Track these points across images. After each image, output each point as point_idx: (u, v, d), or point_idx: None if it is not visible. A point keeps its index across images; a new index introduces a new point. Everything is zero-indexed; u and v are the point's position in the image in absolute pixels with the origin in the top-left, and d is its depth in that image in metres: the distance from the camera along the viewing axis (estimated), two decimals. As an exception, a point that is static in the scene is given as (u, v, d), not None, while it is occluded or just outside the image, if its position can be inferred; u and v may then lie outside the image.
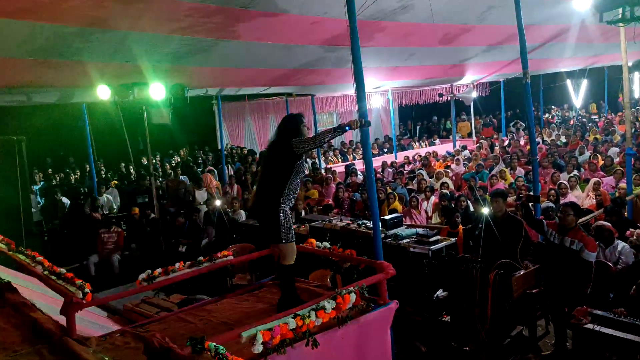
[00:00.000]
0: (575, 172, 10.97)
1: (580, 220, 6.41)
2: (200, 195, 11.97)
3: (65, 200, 12.33)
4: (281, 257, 4.52)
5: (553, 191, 9.20)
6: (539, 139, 16.20)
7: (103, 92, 9.26)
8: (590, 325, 5.24)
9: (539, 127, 19.33)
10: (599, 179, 9.75)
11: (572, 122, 20.64)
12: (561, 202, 8.63)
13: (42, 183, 13.67)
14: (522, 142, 16.82)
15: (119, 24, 7.29)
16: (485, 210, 6.51)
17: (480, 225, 6.37)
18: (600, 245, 6.43)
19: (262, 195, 4.40)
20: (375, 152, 18.29)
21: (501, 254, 5.84)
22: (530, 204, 6.39)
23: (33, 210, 10.39)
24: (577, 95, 20.78)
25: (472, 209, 9.10)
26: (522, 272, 5.71)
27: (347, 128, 4.22)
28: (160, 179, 13.88)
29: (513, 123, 20.72)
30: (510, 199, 8.93)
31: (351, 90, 15.38)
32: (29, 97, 9.86)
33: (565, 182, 9.74)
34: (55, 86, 9.46)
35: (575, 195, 9.49)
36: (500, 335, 5.81)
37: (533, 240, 6.44)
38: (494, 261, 5.75)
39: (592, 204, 9.13)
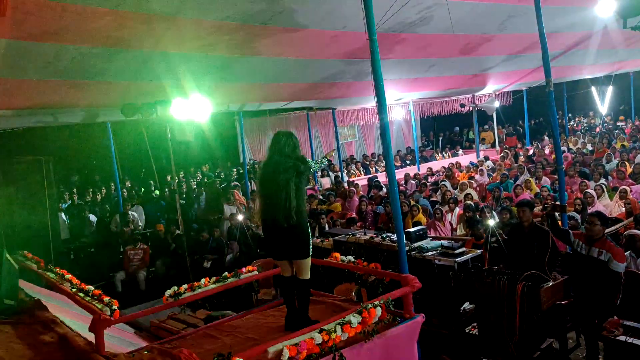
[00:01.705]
0: (603, 180, 10.78)
1: (609, 229, 6.30)
2: (229, 209, 12.08)
3: (93, 218, 12.53)
4: (301, 272, 4.49)
5: (578, 200, 9.03)
6: (564, 148, 16.00)
7: (127, 111, 9.35)
8: (622, 337, 5.13)
9: (564, 135, 19.09)
10: (626, 187, 9.56)
11: (598, 129, 20.33)
12: (588, 211, 8.48)
13: (70, 201, 13.87)
14: (547, 151, 16.61)
15: (142, 43, 7.41)
16: (492, 222, 6.45)
17: (497, 238, 6.32)
18: (631, 255, 6.31)
19: (289, 211, 4.32)
20: (398, 164, 18.21)
21: (529, 265, 5.76)
22: (556, 214, 6.30)
23: (61, 228, 10.56)
24: (603, 102, 20.47)
25: (497, 219, 9.00)
26: (550, 284, 5.61)
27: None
28: (184, 196, 14.00)
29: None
30: (536, 209, 8.82)
31: (372, 103, 15.26)
32: (56, 118, 10.04)
33: (591, 191, 9.57)
34: (81, 106, 9.62)
35: (603, 204, 9.32)
36: (530, 348, 5.71)
37: (561, 251, 6.34)
38: (521, 272, 5.67)
39: (621, 212, 8.96)
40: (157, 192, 14.89)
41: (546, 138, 19.42)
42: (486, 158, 16.87)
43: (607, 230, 6.04)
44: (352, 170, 17.56)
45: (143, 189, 15.76)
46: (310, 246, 4.46)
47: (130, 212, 12.46)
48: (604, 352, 5.64)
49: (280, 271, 4.72)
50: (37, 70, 7.42)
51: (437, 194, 12.09)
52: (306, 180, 4.51)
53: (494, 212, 9.43)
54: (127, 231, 11.31)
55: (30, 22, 5.97)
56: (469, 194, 11.21)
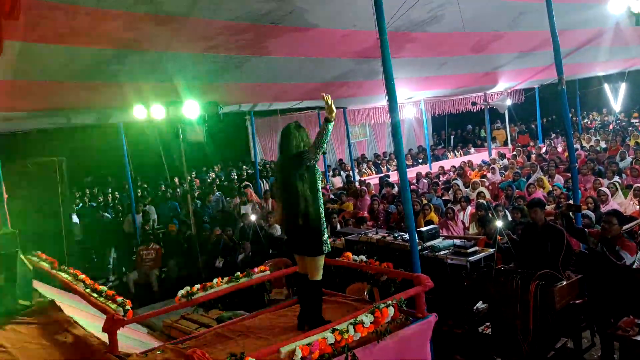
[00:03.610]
0: (617, 178, 10.68)
1: (625, 227, 6.24)
2: (246, 209, 12.15)
3: (107, 215, 12.64)
4: (313, 271, 4.45)
5: (590, 199, 8.94)
6: (577, 145, 15.86)
7: (139, 112, 9.42)
8: (638, 337, 5.08)
9: (577, 133, 18.94)
10: (641, 185, 9.46)
11: (611, 126, 20.15)
12: (602, 209, 8.40)
13: (81, 204, 13.97)
14: (559, 149, 16.49)
15: (154, 45, 7.45)
16: (499, 223, 6.42)
17: (501, 237, 6.31)
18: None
19: (301, 208, 4.29)
20: (409, 163, 18.16)
21: (542, 264, 5.71)
22: (570, 213, 6.25)
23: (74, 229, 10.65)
24: (616, 99, 20.28)
25: (510, 218, 8.95)
26: (564, 283, 5.56)
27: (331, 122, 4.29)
28: (197, 196, 14.08)
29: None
30: (549, 208, 8.75)
31: (383, 102, 15.35)
32: (69, 119, 10.12)
33: (605, 189, 9.47)
34: (94, 107, 9.70)
35: (618, 202, 9.23)
36: (544, 347, 5.67)
37: (575, 250, 6.29)
38: (534, 272, 5.63)
39: (635, 210, 8.87)
40: (171, 189, 14.96)
41: (559, 136, 19.27)
42: (502, 156, 16.78)
43: (622, 228, 5.98)
44: (363, 170, 17.54)
45: (150, 188, 15.84)
46: (323, 245, 4.36)
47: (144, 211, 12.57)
48: (619, 352, 5.59)
49: (298, 267, 4.72)
50: (50, 72, 7.49)
51: (449, 192, 12.04)
52: (310, 177, 4.33)
53: (506, 210, 9.37)
54: (147, 228, 11.43)
55: (44, 25, 6.02)
56: (482, 192, 11.14)
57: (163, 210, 13.34)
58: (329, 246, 4.44)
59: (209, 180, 16.49)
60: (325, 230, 4.42)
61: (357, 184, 14.32)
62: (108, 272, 10.89)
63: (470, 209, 10.16)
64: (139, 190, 14.96)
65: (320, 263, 4.44)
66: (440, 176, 15.35)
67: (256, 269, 5.48)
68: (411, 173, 14.79)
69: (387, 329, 4.06)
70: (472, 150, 20.60)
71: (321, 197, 4.45)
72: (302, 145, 4.40)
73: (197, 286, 5.05)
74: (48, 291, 5.90)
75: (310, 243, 4.38)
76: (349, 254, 5.56)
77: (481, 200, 10.23)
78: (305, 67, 10.09)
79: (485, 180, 13.14)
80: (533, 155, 15.88)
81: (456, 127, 23.68)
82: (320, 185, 4.48)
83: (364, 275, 5.37)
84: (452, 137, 23.34)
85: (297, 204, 4.28)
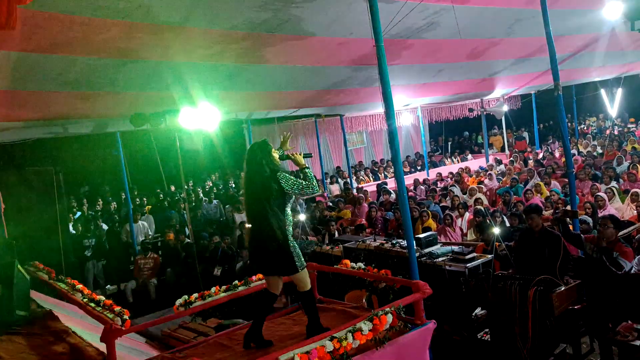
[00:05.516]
0: (614, 183, 10.70)
1: (622, 232, 6.25)
2: (240, 218, 12.13)
3: (105, 226, 12.62)
4: (300, 284, 4.44)
5: (588, 204, 8.95)
6: (574, 151, 15.90)
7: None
8: (637, 342, 5.08)
9: (574, 138, 18.99)
10: (637, 190, 9.48)
11: (608, 131, 20.21)
12: (599, 214, 8.42)
13: (78, 213, 13.94)
14: (556, 155, 16.52)
15: (150, 54, 7.45)
16: (496, 230, 6.41)
17: (498, 244, 6.31)
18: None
19: (266, 229, 4.25)
20: (407, 169, 18.18)
21: (540, 270, 5.71)
22: (567, 219, 6.25)
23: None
24: (612, 104, 20.36)
25: (508, 224, 8.96)
26: (562, 288, 5.56)
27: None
28: (194, 204, 14.05)
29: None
30: (547, 213, 8.75)
31: (380, 109, 15.32)
32: (65, 129, 10.10)
33: (603, 194, 9.49)
34: (90, 117, 9.67)
35: (615, 207, 9.24)
36: (543, 353, 5.66)
37: (573, 255, 6.29)
38: (533, 277, 5.63)
39: (632, 215, 8.88)
40: (171, 196, 14.93)
41: (556, 141, 19.31)
42: (499, 162, 16.81)
43: (619, 234, 6.00)
44: (361, 177, 17.54)
45: (152, 198, 15.81)
46: (297, 262, 4.32)
47: (140, 222, 12.52)
48: (618, 357, 5.58)
49: (267, 285, 4.65)
50: (46, 82, 7.48)
51: (447, 199, 12.05)
52: (280, 198, 4.29)
53: (504, 216, 9.38)
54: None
55: (40, 35, 6.02)
56: (479, 198, 11.16)
57: (161, 219, 13.30)
58: (303, 261, 4.42)
59: (206, 189, 16.45)
60: (296, 246, 4.38)
61: (354, 191, 14.31)
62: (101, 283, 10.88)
63: (468, 215, 10.17)
64: (137, 199, 14.91)
65: (303, 276, 4.41)
66: (438, 183, 15.38)
67: (254, 278, 5.47)
68: (409, 180, 14.80)
69: (385, 336, 4.06)
70: (470, 156, 20.62)
71: (289, 216, 4.39)
72: (265, 164, 4.34)
73: (195, 295, 5.03)
74: (45, 301, 5.87)
75: (285, 264, 4.35)
76: (347, 261, 5.56)
77: (479, 207, 10.24)
78: (301, 75, 10.11)
79: (482, 186, 13.15)
80: (530, 161, 15.91)
81: (453, 134, 23.72)
82: (289, 206, 4.40)
83: (362, 282, 5.37)
84: (449, 143, 23.35)
85: (263, 228, 4.25)
